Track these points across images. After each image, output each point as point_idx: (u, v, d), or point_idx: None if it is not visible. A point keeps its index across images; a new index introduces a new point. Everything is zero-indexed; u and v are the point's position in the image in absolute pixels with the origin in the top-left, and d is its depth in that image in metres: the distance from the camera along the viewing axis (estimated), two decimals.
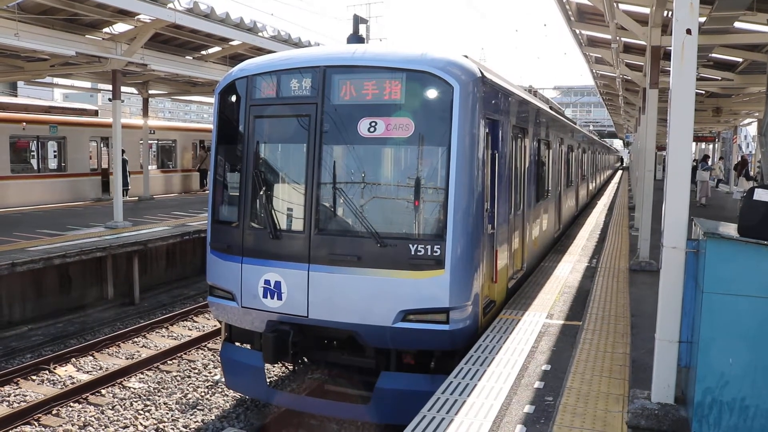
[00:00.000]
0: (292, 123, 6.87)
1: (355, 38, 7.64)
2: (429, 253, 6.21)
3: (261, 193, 6.90)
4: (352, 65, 6.66)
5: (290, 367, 7.72)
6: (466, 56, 6.95)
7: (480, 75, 6.69)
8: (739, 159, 31.12)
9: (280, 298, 6.64)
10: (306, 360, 7.62)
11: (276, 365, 8.89)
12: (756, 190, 4.21)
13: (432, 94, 6.38)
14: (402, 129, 6.35)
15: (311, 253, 6.53)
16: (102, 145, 23.32)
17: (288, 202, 7.00)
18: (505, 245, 7.86)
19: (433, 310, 6.23)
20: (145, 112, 23.70)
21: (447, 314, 6.23)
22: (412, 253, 6.23)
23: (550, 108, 13.82)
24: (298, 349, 6.73)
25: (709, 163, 26.17)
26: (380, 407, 6.45)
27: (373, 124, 6.42)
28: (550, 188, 12.45)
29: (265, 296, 6.72)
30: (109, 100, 16.81)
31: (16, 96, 33.27)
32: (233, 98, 7.27)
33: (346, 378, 7.26)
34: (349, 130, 6.53)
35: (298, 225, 6.77)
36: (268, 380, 7.49)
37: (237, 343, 7.62)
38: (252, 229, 6.98)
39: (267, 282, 6.70)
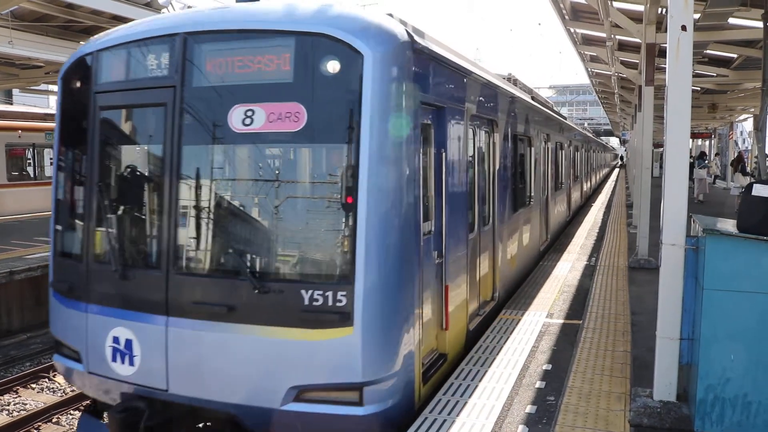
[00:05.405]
0: (145, 116, 5.09)
1: None
2: (330, 303, 4.32)
3: (107, 215, 5.03)
4: (220, 30, 4.76)
5: None
6: (391, 15, 4.98)
7: (408, 39, 4.71)
8: (736, 155, 31.17)
9: (132, 363, 4.80)
10: None
11: None
12: (755, 185, 4.21)
13: (332, 66, 4.41)
14: (289, 120, 4.46)
15: (170, 301, 4.68)
16: None
17: (140, 227, 5.13)
18: (462, 276, 6.04)
19: (339, 386, 4.37)
20: None
21: (360, 392, 4.35)
22: (306, 302, 4.34)
23: (533, 98, 11.93)
24: None
25: (706, 160, 26.23)
26: None
27: (249, 113, 4.55)
28: (532, 194, 10.66)
29: (114, 359, 4.86)
30: None
31: (11, 104, 33.23)
32: (77, 84, 5.37)
33: None
34: (217, 123, 4.69)
35: (152, 260, 4.89)
36: None
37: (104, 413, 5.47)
38: (97, 264, 5.10)
39: (116, 340, 4.85)
